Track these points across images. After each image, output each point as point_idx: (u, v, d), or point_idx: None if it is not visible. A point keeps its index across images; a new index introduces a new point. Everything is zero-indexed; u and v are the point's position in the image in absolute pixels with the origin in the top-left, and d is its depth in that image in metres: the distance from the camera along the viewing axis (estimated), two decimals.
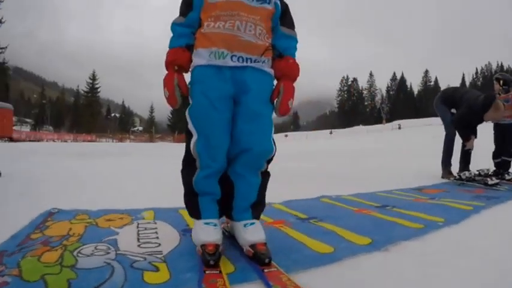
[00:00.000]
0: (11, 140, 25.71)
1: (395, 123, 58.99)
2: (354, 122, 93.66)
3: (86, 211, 2.32)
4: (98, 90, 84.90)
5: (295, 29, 1.72)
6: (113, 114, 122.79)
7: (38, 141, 34.88)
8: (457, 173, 4.60)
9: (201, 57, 1.54)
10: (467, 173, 4.40)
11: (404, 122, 56.56)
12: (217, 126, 1.50)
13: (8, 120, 25.57)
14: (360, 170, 6.20)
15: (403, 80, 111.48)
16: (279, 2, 1.65)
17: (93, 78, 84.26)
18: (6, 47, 45.08)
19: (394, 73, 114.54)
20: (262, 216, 1.72)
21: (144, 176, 4.99)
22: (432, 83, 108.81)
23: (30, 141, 32.74)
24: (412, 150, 12.66)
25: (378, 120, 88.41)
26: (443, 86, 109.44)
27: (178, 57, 1.58)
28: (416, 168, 6.20)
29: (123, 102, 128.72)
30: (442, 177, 4.94)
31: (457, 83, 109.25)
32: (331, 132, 59.69)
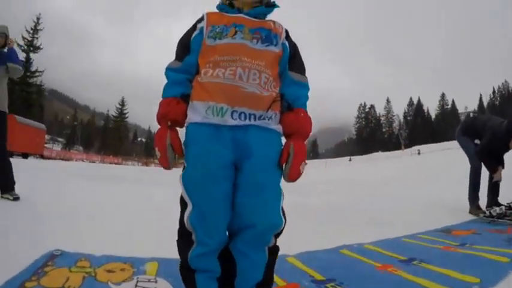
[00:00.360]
0: (42, 157, 27.48)
1: (415, 148, 58.08)
2: (373, 148, 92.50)
3: (89, 256, 2.18)
4: (126, 115, 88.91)
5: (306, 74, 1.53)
6: (139, 139, 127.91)
7: (68, 160, 36.32)
8: (486, 208, 4.31)
9: (196, 112, 1.35)
10: (497, 208, 4.10)
11: (423, 147, 55.69)
12: (214, 199, 1.29)
13: (41, 139, 28.29)
14: (381, 203, 5.89)
15: (420, 104, 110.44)
16: (287, 43, 1.48)
17: (122, 104, 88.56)
18: (43, 71, 48.72)
19: (411, 98, 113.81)
20: (274, 276, 1.50)
21: (158, 210, 4.75)
22: (449, 106, 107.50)
23: (60, 159, 34.09)
24: (433, 176, 12.13)
25: (396, 146, 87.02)
26: (460, 108, 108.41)
27: (172, 111, 1.39)
28: (440, 198, 5.91)
29: (149, 127, 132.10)
30: (470, 212, 4.62)
31: (474, 104, 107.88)
32: (350, 160, 59.01)
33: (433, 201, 5.79)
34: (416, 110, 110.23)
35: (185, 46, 1.47)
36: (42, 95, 56.33)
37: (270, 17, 1.54)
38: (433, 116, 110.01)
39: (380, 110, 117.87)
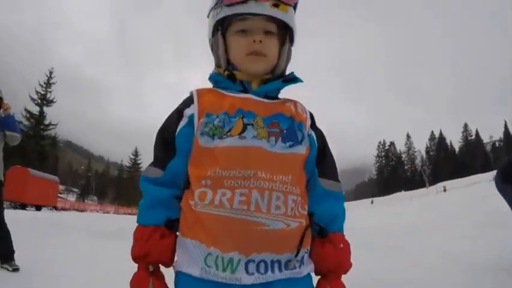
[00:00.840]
0: (56, 208, 28.46)
1: (440, 185, 56.00)
2: (395, 187, 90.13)
3: None
4: (140, 166, 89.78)
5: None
6: None
7: (82, 211, 36.77)
8: None
9: (190, 258, 0.93)
10: None
11: (449, 183, 53.85)
12: None
13: (54, 191, 29.33)
14: (415, 268, 4.52)
15: (442, 138, 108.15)
16: (313, 134, 1.08)
17: (136, 154, 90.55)
18: (56, 124, 49.84)
19: (432, 132, 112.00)
20: None
21: None
22: (473, 137, 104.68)
23: (74, 210, 35.11)
24: (464, 218, 10.59)
25: (420, 184, 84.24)
26: (485, 138, 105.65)
27: (154, 250, 0.97)
28: (481, 251, 4.89)
29: None
30: None
31: (499, 132, 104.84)
32: (372, 202, 57.07)
33: (474, 256, 4.72)
34: (438, 144, 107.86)
35: (167, 143, 1.03)
36: (57, 146, 57.87)
37: (283, 93, 1.12)
38: (457, 149, 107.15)
39: (400, 146, 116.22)
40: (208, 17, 1.10)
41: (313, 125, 1.11)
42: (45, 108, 48.94)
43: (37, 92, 48.58)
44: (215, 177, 0.92)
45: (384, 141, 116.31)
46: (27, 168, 25.77)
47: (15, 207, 22.18)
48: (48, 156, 48.58)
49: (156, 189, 1.01)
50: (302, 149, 1.00)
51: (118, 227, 11.51)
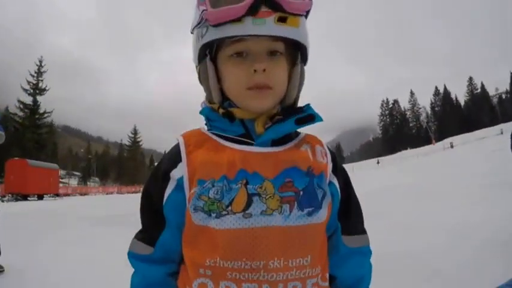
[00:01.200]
0: (58, 195, 29.10)
1: (447, 141, 55.82)
2: (401, 145, 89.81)
3: None
4: (140, 143, 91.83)
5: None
6: (155, 164, 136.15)
7: (84, 194, 37.59)
8: None
9: None
10: None
11: (456, 139, 53.52)
12: None
13: (54, 179, 29.60)
14: (426, 238, 4.37)
15: (447, 92, 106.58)
16: (336, 183, 0.85)
17: (135, 132, 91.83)
18: (51, 111, 50.62)
19: (436, 87, 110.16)
20: None
21: None
22: (479, 90, 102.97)
23: (77, 194, 35.95)
24: (474, 177, 10.42)
25: (426, 141, 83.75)
26: (491, 90, 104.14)
27: None
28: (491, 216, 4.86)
29: (164, 152, 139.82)
30: None
31: (505, 84, 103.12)
32: (378, 162, 56.89)
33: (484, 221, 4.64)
34: (443, 98, 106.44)
35: (154, 211, 0.82)
36: (54, 133, 58.96)
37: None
38: (463, 103, 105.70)
39: (404, 104, 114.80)
40: (192, 33, 0.83)
41: (335, 168, 0.86)
42: (38, 97, 49.52)
43: (29, 82, 48.96)
44: (216, 267, 0.72)
45: (387, 99, 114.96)
46: (25, 159, 26.19)
47: (16, 199, 22.46)
48: (46, 144, 49.54)
49: (147, 268, 0.83)
50: (323, 214, 0.77)
51: (120, 211, 11.45)
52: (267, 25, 0.72)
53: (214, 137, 0.81)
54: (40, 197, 25.30)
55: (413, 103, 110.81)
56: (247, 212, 0.71)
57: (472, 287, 2.87)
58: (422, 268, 3.35)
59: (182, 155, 0.79)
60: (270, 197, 0.73)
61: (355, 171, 39.88)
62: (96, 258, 4.96)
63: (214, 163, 0.76)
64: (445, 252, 3.83)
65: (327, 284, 0.81)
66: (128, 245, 0.87)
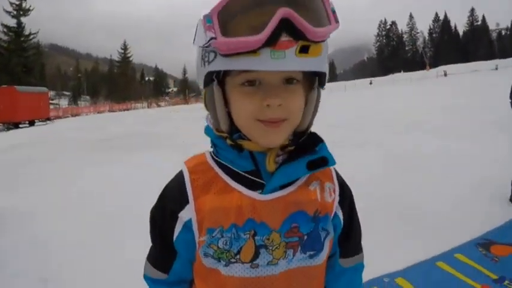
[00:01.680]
0: (49, 119, 27.69)
1: (440, 69, 55.62)
2: (394, 68, 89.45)
3: None
4: (130, 58, 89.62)
5: None
6: (147, 78, 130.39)
7: (76, 115, 36.66)
8: None
9: None
10: None
11: (450, 68, 53.23)
12: None
13: (45, 103, 28.89)
14: (410, 177, 4.94)
15: (446, 20, 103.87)
16: (341, 215, 0.84)
17: (125, 48, 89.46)
18: (37, 32, 48.13)
19: (437, 13, 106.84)
20: None
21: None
22: (479, 22, 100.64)
23: (69, 115, 34.79)
24: (464, 108, 10.94)
25: (420, 66, 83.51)
26: (491, 25, 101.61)
27: None
28: (476, 159, 5.30)
29: (156, 65, 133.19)
30: (510, 200, 3.94)
31: (506, 21, 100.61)
32: (371, 82, 57.22)
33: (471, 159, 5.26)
34: (442, 26, 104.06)
35: (165, 244, 0.82)
36: (42, 54, 56.84)
37: None
38: (461, 33, 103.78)
39: (402, 26, 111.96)
40: (194, 43, 0.70)
41: (341, 199, 0.85)
42: (22, 19, 46.65)
43: (11, 4, 45.41)
44: None
45: (385, 20, 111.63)
46: (13, 86, 25.27)
47: (8, 128, 21.74)
48: (33, 67, 47.82)
49: None
50: (324, 255, 0.80)
51: (111, 135, 11.86)
52: (286, 59, 0.62)
53: (222, 174, 0.77)
54: (31, 123, 24.49)
55: (412, 27, 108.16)
56: (254, 262, 0.73)
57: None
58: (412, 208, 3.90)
59: (189, 197, 0.76)
60: (277, 247, 0.74)
61: (348, 90, 40.16)
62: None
63: (223, 209, 0.74)
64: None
65: None
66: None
